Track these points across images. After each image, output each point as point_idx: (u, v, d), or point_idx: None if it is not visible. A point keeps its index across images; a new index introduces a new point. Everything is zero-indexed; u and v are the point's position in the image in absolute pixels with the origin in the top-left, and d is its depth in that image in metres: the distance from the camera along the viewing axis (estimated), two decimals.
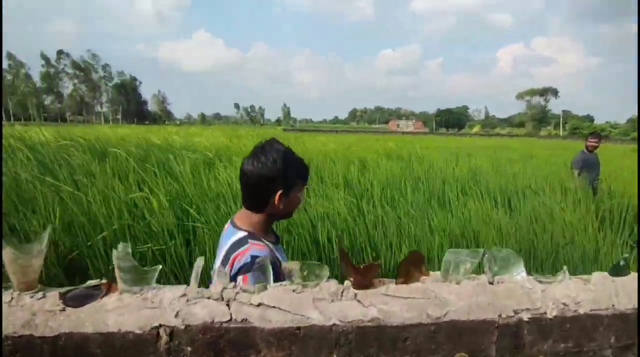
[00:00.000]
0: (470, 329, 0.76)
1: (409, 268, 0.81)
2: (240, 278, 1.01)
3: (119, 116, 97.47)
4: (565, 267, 0.87)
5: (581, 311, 0.79)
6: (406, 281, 0.81)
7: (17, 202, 2.69)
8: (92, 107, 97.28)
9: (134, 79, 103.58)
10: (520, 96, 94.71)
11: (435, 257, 2.69)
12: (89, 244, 2.39)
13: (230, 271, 1.03)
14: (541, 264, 2.53)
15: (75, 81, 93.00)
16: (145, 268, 0.79)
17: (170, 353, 0.73)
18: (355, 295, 0.79)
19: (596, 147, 5.32)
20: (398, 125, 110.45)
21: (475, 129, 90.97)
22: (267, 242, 1.13)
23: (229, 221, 1.22)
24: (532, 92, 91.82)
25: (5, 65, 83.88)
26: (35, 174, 3.79)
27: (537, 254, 2.55)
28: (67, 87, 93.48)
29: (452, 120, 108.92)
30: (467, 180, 5.48)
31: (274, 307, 0.76)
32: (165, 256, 2.46)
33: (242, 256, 1.04)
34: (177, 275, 2.43)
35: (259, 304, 0.76)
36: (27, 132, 6.54)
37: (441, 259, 0.81)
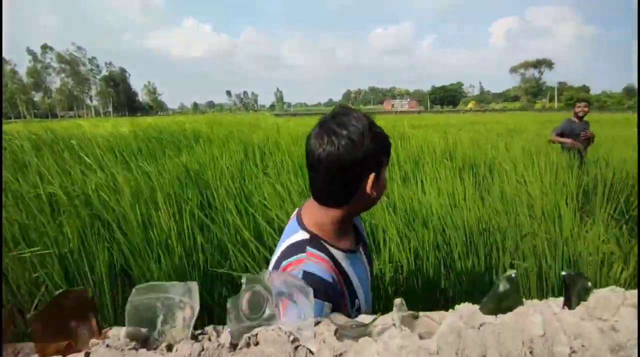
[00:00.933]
0: None
1: (68, 322, 0.41)
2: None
3: (110, 109, 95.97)
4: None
5: None
6: (67, 349, 0.41)
7: None
8: (81, 101, 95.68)
9: (123, 70, 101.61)
10: (514, 70, 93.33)
11: (382, 246, 2.31)
12: None
13: None
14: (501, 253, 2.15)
15: (62, 75, 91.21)
16: None
17: None
18: None
19: (586, 113, 4.89)
20: (393, 105, 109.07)
21: (470, 105, 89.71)
22: (337, 251, 0.86)
23: (296, 211, 0.96)
24: (526, 65, 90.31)
25: None
26: None
27: (494, 239, 2.17)
28: (54, 82, 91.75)
29: (447, 97, 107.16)
30: (444, 156, 5.08)
31: None
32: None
33: (292, 269, 0.80)
34: (76, 282, 2.05)
35: None
36: None
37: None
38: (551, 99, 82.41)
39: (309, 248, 0.83)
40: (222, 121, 16.34)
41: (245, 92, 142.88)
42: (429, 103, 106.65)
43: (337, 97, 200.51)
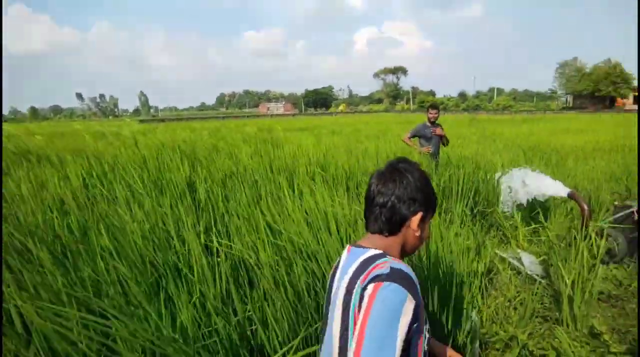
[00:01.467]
0: None
1: None
2: (371, 286, 0.79)
3: None
4: None
5: None
6: None
7: None
8: None
9: None
10: (376, 75, 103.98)
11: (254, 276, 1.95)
12: None
13: (363, 283, 0.82)
14: None
15: None
16: None
17: None
18: None
19: (436, 118, 5.33)
20: (268, 108, 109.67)
21: (341, 108, 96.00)
22: None
23: (347, 247, 0.99)
24: (386, 71, 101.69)
25: None
26: None
27: None
28: None
29: (319, 100, 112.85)
30: (318, 165, 4.98)
31: None
32: None
33: (380, 268, 0.84)
34: None
35: None
36: None
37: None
38: (407, 102, 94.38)
39: (388, 255, 0.90)
40: (66, 131, 13.66)
41: (102, 95, 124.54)
42: (303, 106, 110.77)
43: (211, 101, 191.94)
